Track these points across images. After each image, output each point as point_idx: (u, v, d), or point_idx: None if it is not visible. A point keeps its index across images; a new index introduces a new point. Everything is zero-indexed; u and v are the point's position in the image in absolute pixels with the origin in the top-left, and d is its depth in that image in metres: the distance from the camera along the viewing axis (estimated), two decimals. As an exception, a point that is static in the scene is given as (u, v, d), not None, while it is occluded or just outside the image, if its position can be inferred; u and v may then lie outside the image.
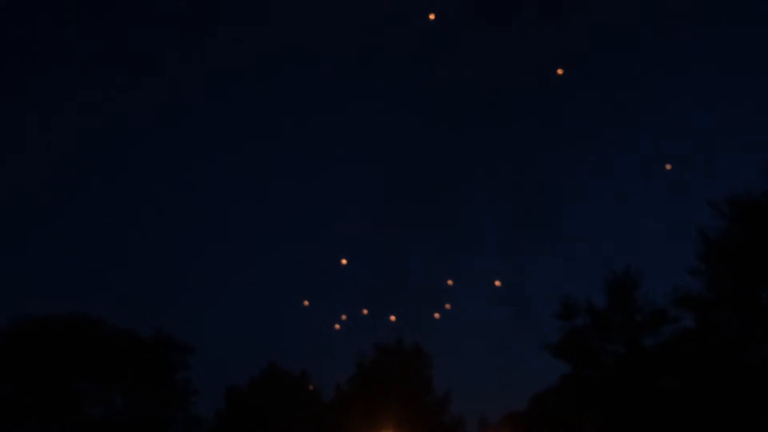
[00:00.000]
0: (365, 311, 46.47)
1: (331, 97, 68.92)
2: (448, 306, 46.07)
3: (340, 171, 68.08)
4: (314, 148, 69.42)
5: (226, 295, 64.61)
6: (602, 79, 62.39)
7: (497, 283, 45.24)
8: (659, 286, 41.62)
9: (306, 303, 45.54)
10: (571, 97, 59.83)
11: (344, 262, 44.31)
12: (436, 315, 46.17)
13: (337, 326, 46.25)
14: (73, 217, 70.69)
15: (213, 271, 67.98)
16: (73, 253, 68.00)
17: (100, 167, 72.43)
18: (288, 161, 71.61)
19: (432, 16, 36.19)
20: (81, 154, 72.38)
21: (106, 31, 69.14)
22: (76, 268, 64.93)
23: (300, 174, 70.26)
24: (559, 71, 41.41)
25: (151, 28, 68.83)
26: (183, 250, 68.65)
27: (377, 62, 62.47)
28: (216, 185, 71.57)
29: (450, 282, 45.47)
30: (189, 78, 72.72)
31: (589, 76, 62.21)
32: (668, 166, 40.76)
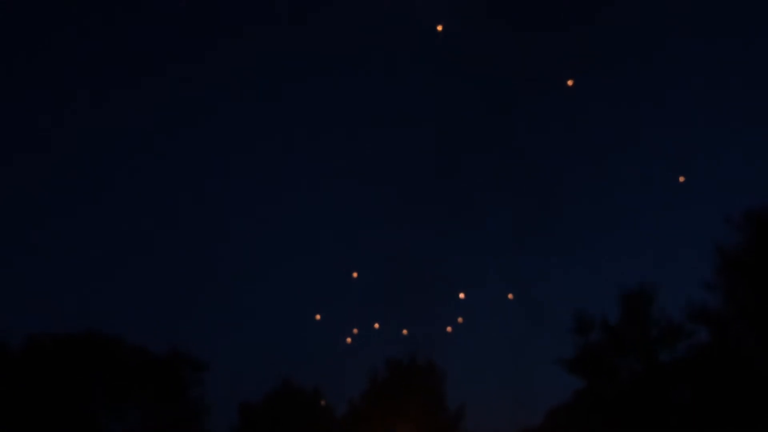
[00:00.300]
0: (376, 325, 46.48)
1: (340, 111, 69.06)
2: (460, 320, 46.04)
3: (353, 185, 68.04)
4: (326, 161, 69.42)
5: (239, 310, 64.60)
6: (617, 90, 62.34)
7: (510, 296, 45.26)
8: (673, 300, 41.53)
9: (318, 317, 45.61)
10: (584, 109, 59.71)
11: (355, 275, 44.43)
12: (449, 329, 46.17)
13: (349, 340, 46.29)
14: (86, 234, 70.90)
15: (226, 285, 68.03)
16: (86, 269, 68.13)
17: (113, 182, 72.50)
18: (298, 174, 71.67)
19: (440, 28, 36.43)
20: (94, 169, 72.53)
21: (107, 32, 69.23)
22: (89, 284, 65.04)
23: (312, 187, 70.34)
24: (569, 82, 41.58)
25: (155, 28, 69.03)
26: (195, 264, 68.72)
27: (386, 72, 62.45)
28: (228, 199, 71.63)
29: (462, 295, 45.46)
30: (192, 87, 72.92)
31: (603, 86, 62.16)
32: (682, 179, 40.82)
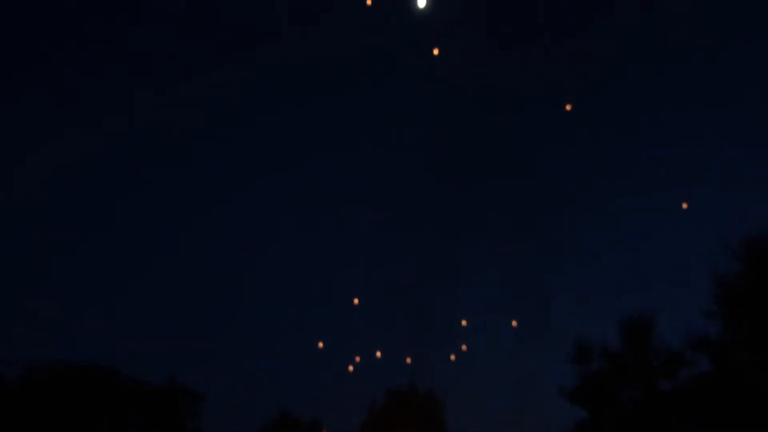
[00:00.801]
0: (378, 353, 46.25)
1: (341, 138, 69.09)
2: (464, 347, 45.79)
3: (351, 211, 67.85)
4: (326, 189, 69.31)
5: (237, 339, 64.23)
6: (618, 115, 62.41)
7: (514, 323, 45.03)
8: (673, 327, 41.28)
9: (321, 345, 45.40)
10: (584, 135, 59.77)
11: (356, 301, 44.27)
12: (452, 357, 45.88)
13: (351, 368, 46.05)
14: (84, 266, 70.70)
15: (224, 314, 67.74)
16: (83, 301, 67.88)
17: (110, 215, 72.23)
18: (298, 202, 71.51)
19: (436, 51, 36.50)
20: (92, 202, 72.43)
21: (125, 40, 69.24)
22: (86, 315, 64.72)
23: (312, 214, 70.20)
24: (568, 107, 41.61)
25: (183, 41, 68.92)
26: (193, 294, 68.45)
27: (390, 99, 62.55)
28: (225, 227, 71.48)
29: (464, 322, 45.25)
30: (197, 118, 72.96)
31: (604, 111, 62.24)
32: (684, 205, 40.75)
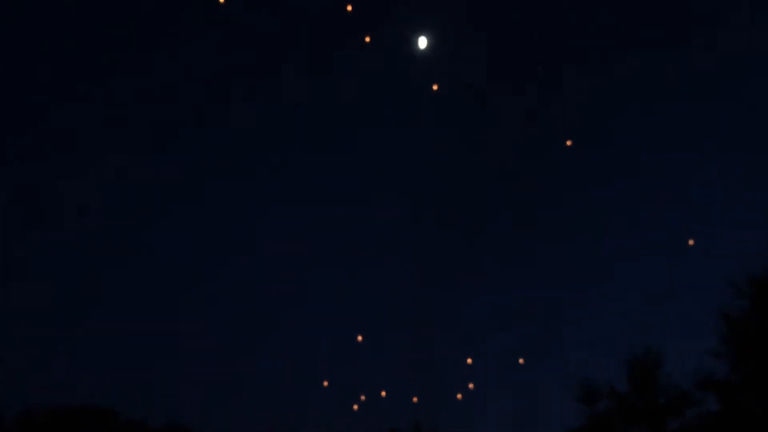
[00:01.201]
0: (383, 393, 45.81)
1: (341, 184, 69.00)
2: (471, 386, 45.31)
3: (357, 245, 67.44)
4: (328, 227, 69.01)
5: (239, 378, 63.55)
6: (621, 149, 62.38)
7: (521, 361, 44.60)
8: (680, 366, 40.81)
9: (326, 383, 45.01)
10: (585, 171, 59.71)
11: (360, 338, 43.92)
12: (459, 396, 45.43)
13: (356, 407, 45.62)
14: (79, 305, 70.07)
15: (225, 352, 67.08)
16: (80, 341, 67.26)
17: (104, 255, 71.64)
18: (301, 239, 71.05)
19: (435, 87, 36.60)
20: (93, 242, 72.07)
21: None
22: (83, 356, 64.12)
23: (315, 251, 69.76)
24: (568, 143, 41.51)
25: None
26: (192, 331, 67.83)
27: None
28: (224, 262, 70.92)
29: (469, 360, 44.85)
30: (205, 161, 72.95)
31: (607, 146, 62.26)
32: (691, 242, 40.39)
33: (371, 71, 51.45)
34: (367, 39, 34.73)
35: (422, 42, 36.21)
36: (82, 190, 69.05)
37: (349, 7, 32.98)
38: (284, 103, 66.49)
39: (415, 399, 46.74)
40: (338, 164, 68.88)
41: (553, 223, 59.99)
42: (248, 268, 68.96)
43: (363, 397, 45.31)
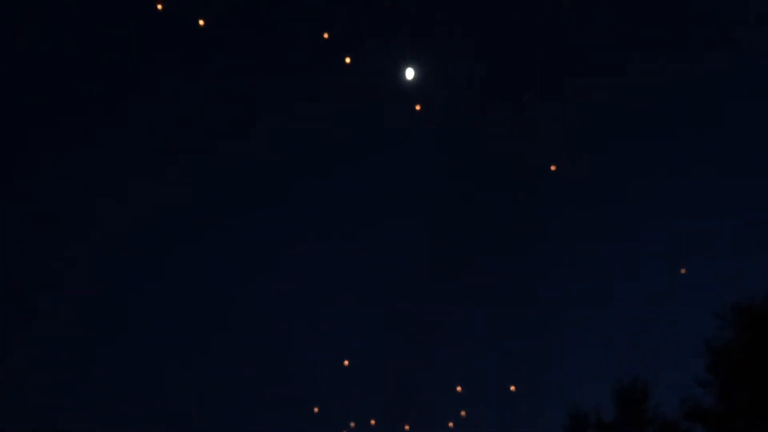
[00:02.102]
0: (373, 422, 45.69)
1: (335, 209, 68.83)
2: (463, 413, 45.24)
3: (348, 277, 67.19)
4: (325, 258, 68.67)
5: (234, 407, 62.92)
6: (609, 177, 62.32)
7: (512, 388, 44.58)
8: (667, 395, 40.78)
9: (316, 410, 44.85)
10: (575, 197, 59.62)
11: (346, 363, 43.77)
12: (450, 424, 45.37)
13: None
14: (58, 332, 69.31)
15: (219, 382, 66.38)
16: (57, 369, 66.37)
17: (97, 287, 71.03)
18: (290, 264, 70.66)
19: (418, 107, 36.74)
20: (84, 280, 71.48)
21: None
22: (59, 382, 63.31)
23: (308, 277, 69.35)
24: (552, 167, 41.45)
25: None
26: (178, 359, 67.17)
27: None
28: (223, 294, 70.39)
29: (459, 388, 44.83)
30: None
31: (599, 172, 62.15)
32: (683, 271, 40.55)
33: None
34: (348, 60, 34.77)
35: (409, 73, 36.40)
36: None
37: (326, 35, 33.14)
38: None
39: (407, 427, 46.62)
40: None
41: (541, 251, 59.89)
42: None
43: (353, 424, 45.23)
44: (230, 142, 67.40)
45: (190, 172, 70.82)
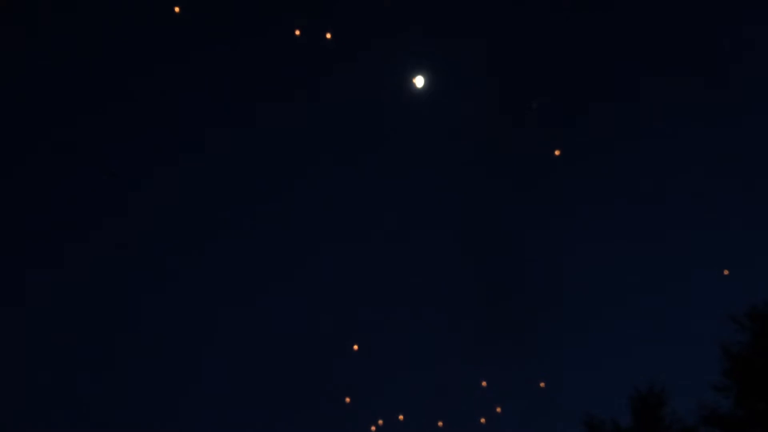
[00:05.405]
0: (401, 417, 45.68)
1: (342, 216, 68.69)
2: (498, 409, 45.27)
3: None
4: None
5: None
6: (620, 179, 62.04)
7: (542, 384, 44.73)
8: (684, 400, 40.50)
9: (347, 400, 44.95)
10: (587, 200, 59.45)
11: (356, 347, 43.89)
12: (482, 420, 45.36)
13: (373, 428, 45.43)
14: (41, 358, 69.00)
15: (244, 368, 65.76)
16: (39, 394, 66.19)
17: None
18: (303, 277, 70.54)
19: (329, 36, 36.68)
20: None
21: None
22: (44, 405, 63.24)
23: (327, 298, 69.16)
24: (557, 152, 41.48)
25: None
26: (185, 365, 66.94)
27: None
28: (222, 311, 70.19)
29: (484, 383, 44.86)
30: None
31: (604, 169, 61.85)
32: (726, 272, 40.52)
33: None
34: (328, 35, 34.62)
35: (419, 81, 36.46)
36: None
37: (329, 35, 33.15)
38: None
39: (440, 423, 46.40)
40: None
41: (555, 257, 59.67)
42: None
43: (381, 422, 45.13)
44: (230, 142, 67.82)
45: (189, 172, 71.11)
